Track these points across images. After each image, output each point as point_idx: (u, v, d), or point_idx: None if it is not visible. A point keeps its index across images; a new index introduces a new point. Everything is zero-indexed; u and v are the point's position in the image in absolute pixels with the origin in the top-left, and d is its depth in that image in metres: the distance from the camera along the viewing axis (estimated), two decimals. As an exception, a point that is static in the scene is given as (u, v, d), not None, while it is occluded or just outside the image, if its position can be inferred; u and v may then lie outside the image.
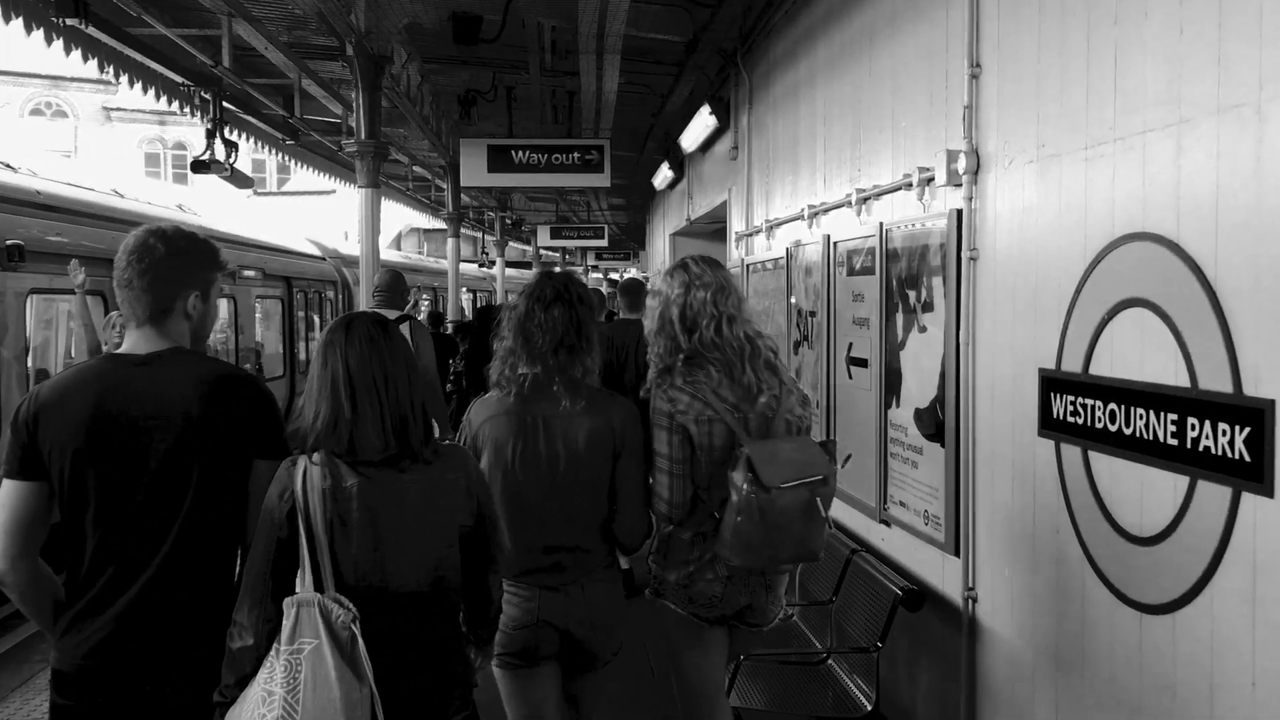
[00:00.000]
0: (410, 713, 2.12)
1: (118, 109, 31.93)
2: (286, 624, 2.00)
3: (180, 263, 2.31)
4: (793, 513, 2.69)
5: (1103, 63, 2.64)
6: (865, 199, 4.43)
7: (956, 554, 3.49)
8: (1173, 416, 2.34)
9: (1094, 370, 2.66)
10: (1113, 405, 2.56)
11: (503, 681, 2.86)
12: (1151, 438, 2.41)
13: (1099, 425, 2.62)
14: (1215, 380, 2.20)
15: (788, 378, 2.99)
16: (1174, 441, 2.33)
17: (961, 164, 3.38)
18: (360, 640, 2.00)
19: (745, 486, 2.65)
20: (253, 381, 2.38)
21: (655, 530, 3.00)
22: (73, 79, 30.34)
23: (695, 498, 2.86)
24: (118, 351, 2.35)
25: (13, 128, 30.38)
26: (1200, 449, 2.24)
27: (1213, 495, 2.22)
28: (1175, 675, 2.37)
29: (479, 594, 2.37)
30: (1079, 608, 2.77)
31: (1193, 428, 2.27)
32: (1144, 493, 2.46)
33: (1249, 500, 2.12)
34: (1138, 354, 2.47)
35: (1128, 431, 2.50)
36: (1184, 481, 2.31)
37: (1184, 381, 2.30)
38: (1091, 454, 2.68)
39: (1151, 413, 2.41)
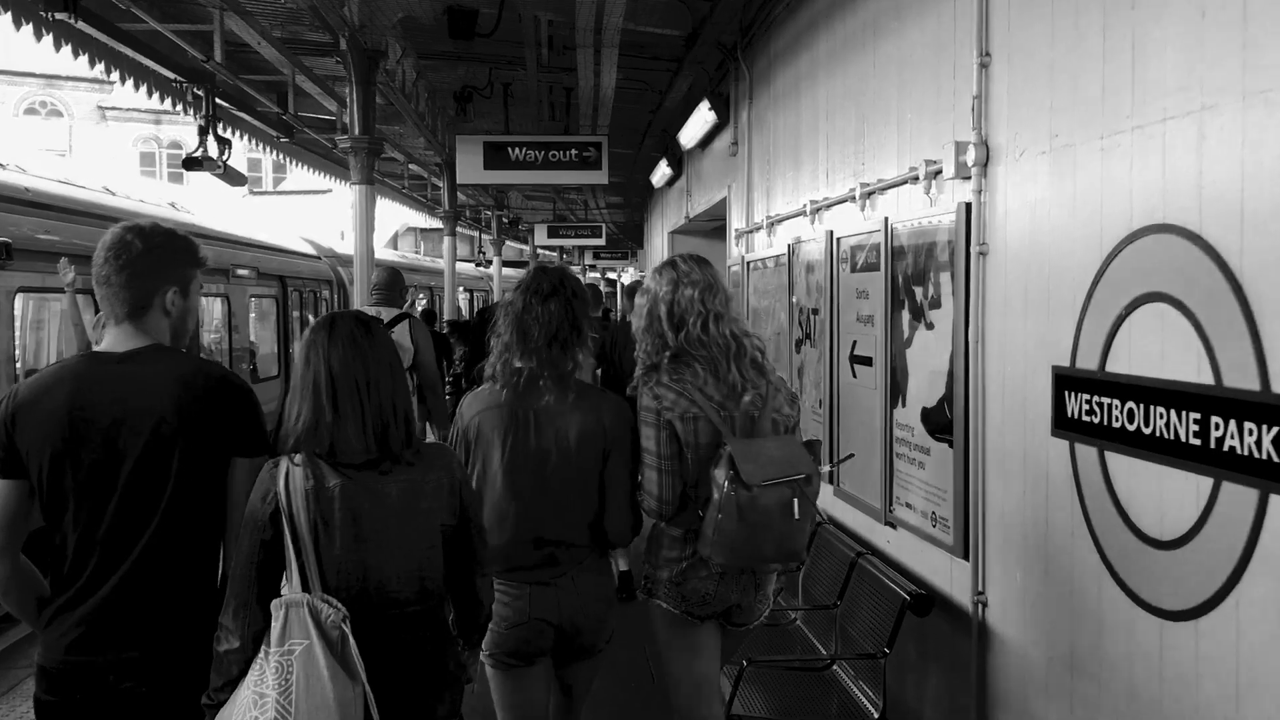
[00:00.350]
0: (399, 712, 2.11)
1: (113, 108, 31.72)
2: (275, 626, 1.99)
3: (158, 259, 2.30)
4: (774, 511, 2.69)
5: (1120, 49, 2.55)
6: (869, 194, 4.35)
7: (965, 557, 3.40)
8: (1195, 415, 2.24)
9: (1111, 368, 2.57)
10: (1131, 404, 2.47)
11: (495, 680, 2.86)
12: (1172, 437, 2.32)
13: (1116, 425, 2.53)
14: (1241, 378, 2.11)
15: (775, 376, 2.98)
16: (1196, 441, 2.24)
17: (970, 156, 3.29)
18: (351, 639, 1.98)
19: (726, 484, 2.65)
20: (232, 379, 2.36)
21: (652, 528, 2.98)
22: (68, 78, 30.16)
23: (684, 495, 2.84)
24: (97, 349, 2.34)
25: (7, 127, 30.23)
26: (1225, 449, 2.15)
27: (1238, 497, 2.13)
28: (1198, 684, 2.28)
29: (467, 598, 2.35)
30: (1095, 613, 2.68)
31: (1217, 427, 2.18)
32: (1164, 495, 2.37)
33: (1277, 503, 2.02)
34: (1158, 351, 2.38)
35: (1147, 431, 2.41)
36: (1207, 483, 2.22)
37: (1207, 379, 2.21)
38: (1108, 454, 2.59)
39: (1172, 411, 2.32)
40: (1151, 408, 2.39)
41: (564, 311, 2.81)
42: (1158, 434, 2.37)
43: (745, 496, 2.65)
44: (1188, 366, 2.27)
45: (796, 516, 2.72)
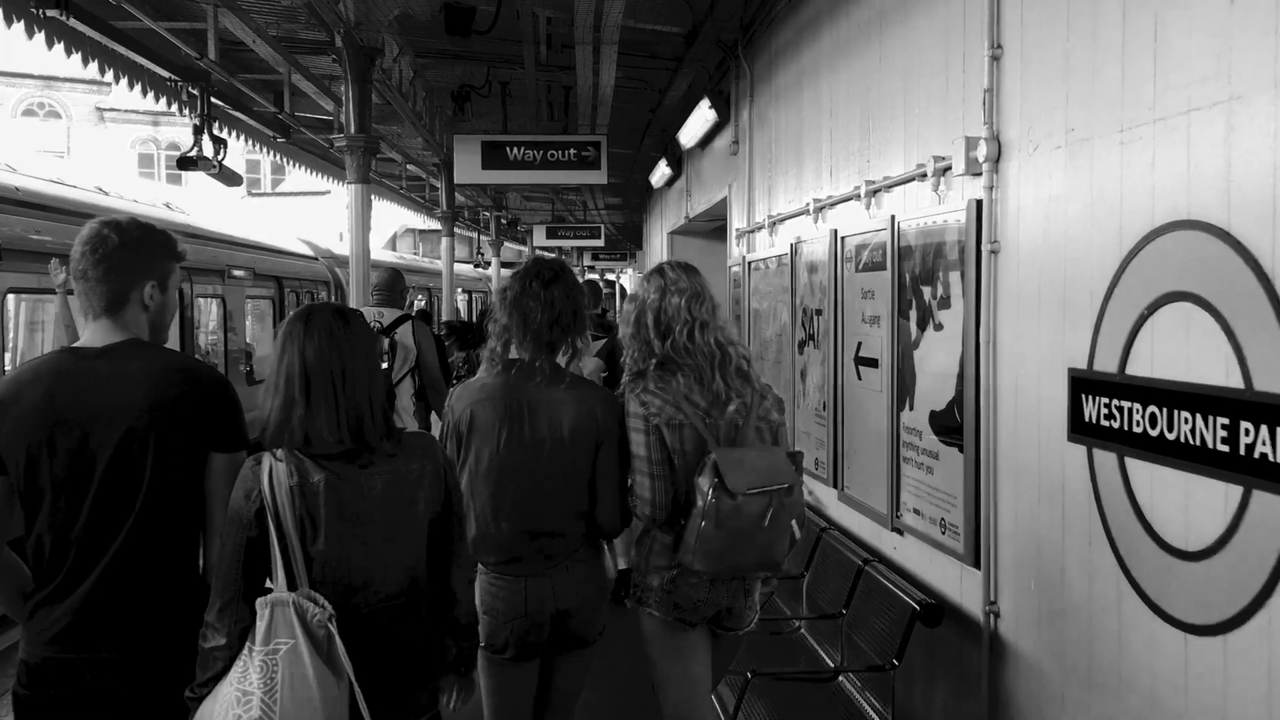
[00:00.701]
0: (383, 703, 2.08)
1: (111, 109, 31.62)
2: (260, 624, 1.96)
3: (135, 253, 2.27)
4: (755, 520, 2.70)
5: (1140, 37, 2.45)
6: (875, 191, 4.24)
7: (977, 565, 3.29)
8: (1223, 420, 2.14)
9: (1131, 370, 2.46)
10: (1153, 408, 2.37)
11: (486, 671, 2.83)
12: (1199, 443, 2.21)
13: (1137, 429, 2.43)
14: (1273, 381, 2.01)
15: (760, 383, 2.98)
16: (1224, 448, 2.14)
17: (981, 151, 3.18)
18: (337, 638, 1.96)
19: (710, 491, 2.66)
20: (209, 373, 2.33)
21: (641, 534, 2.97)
22: (65, 79, 30.07)
23: (676, 500, 2.83)
24: (75, 345, 2.31)
25: (5, 128, 30.15)
26: (1255, 456, 2.05)
27: (1270, 507, 2.02)
28: (1226, 702, 2.17)
29: (443, 591, 2.30)
30: (1114, 626, 2.57)
31: (1246, 433, 2.07)
32: (1190, 503, 2.27)
33: (1313, 513, 1.92)
34: (1183, 352, 2.28)
35: (1171, 436, 2.30)
36: (1236, 491, 2.12)
37: (1236, 382, 2.11)
38: (1128, 460, 2.49)
39: (1198, 416, 2.21)
40: (1176, 412, 2.29)
41: (565, 297, 2.83)
42: (1183, 439, 2.26)
43: (729, 505, 2.67)
44: (1215, 369, 2.17)
45: (765, 525, 2.72)
